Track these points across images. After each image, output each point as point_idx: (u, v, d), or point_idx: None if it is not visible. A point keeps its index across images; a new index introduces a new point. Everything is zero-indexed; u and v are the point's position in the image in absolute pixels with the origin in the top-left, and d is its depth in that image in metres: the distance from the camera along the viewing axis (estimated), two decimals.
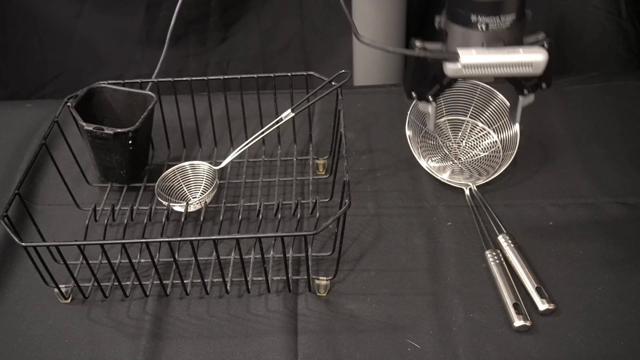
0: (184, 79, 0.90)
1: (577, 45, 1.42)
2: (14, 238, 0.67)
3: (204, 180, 0.87)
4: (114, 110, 0.91)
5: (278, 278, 0.77)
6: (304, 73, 0.89)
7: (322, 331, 0.72)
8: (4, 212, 0.70)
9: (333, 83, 0.84)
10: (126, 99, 0.90)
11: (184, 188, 0.87)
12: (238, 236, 0.71)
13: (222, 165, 0.87)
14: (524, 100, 0.71)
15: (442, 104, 0.93)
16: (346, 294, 0.76)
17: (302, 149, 0.96)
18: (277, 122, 0.86)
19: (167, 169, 0.88)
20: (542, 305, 0.72)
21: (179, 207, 0.83)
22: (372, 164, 0.94)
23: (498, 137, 0.92)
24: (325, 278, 0.75)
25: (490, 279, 0.76)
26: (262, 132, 0.87)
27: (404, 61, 1.47)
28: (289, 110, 0.85)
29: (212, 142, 0.97)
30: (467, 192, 0.87)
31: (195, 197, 0.87)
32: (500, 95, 0.91)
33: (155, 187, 0.85)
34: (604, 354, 0.68)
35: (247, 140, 0.88)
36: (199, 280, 0.76)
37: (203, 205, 0.83)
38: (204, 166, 0.88)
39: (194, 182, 0.88)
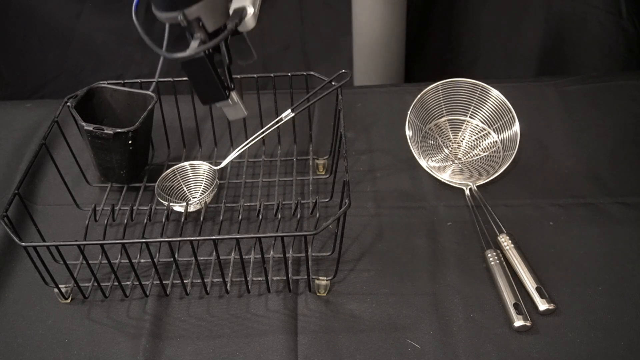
0: (184, 79, 0.90)
1: (577, 45, 1.42)
2: (14, 238, 0.67)
3: (204, 180, 0.87)
4: (114, 110, 0.91)
5: (278, 278, 0.77)
6: (304, 73, 0.89)
7: (322, 331, 0.72)
8: (4, 212, 0.70)
9: (333, 83, 0.84)
10: (126, 99, 0.90)
11: (184, 188, 0.87)
12: (238, 236, 0.71)
13: (222, 165, 0.87)
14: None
15: (442, 104, 0.93)
16: (346, 294, 0.76)
17: (302, 149, 0.96)
18: (277, 122, 0.86)
19: (167, 169, 0.88)
20: (542, 305, 0.72)
21: (179, 207, 0.83)
22: (372, 164, 0.94)
23: (498, 137, 0.92)
24: (325, 278, 0.75)
25: (490, 279, 0.76)
26: (262, 132, 0.87)
27: (405, 61, 1.47)
28: (289, 110, 0.85)
29: (212, 142, 0.97)
30: (467, 192, 0.87)
31: (195, 197, 0.87)
32: (501, 96, 0.91)
33: (155, 187, 0.85)
34: (604, 354, 0.68)
35: (247, 140, 0.88)
36: (199, 280, 0.76)
37: (203, 205, 0.83)
38: (204, 166, 0.88)
39: (194, 182, 0.88)
